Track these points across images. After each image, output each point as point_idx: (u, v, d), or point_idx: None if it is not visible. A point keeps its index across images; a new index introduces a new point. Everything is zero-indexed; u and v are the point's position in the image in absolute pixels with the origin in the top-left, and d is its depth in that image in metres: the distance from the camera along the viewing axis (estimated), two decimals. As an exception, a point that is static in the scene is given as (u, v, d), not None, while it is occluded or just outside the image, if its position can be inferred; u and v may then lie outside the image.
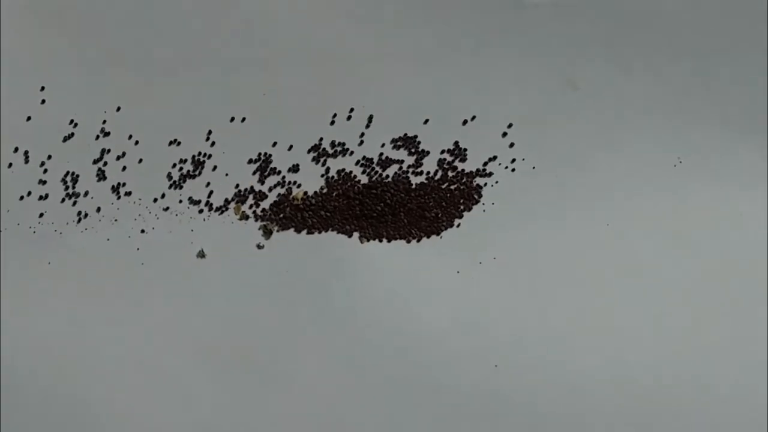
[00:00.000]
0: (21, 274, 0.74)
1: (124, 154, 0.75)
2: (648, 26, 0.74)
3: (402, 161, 0.75)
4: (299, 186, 0.76)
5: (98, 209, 0.75)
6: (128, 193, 0.75)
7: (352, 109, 0.75)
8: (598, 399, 0.74)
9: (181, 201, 0.76)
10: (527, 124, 0.75)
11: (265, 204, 0.76)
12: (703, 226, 0.75)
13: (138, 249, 0.75)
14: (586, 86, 0.75)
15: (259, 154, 0.75)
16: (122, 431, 0.73)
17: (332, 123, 0.75)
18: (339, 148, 0.75)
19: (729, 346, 0.74)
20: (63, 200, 0.75)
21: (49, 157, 0.75)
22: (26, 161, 0.75)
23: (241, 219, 0.76)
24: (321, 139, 0.75)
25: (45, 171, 0.75)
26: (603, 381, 0.74)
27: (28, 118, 0.75)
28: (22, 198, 0.74)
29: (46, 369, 0.74)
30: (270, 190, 0.76)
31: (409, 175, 0.76)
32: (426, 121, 0.75)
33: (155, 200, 0.75)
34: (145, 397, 0.74)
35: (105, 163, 0.75)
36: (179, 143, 0.75)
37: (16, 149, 0.74)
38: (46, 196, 0.75)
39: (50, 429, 0.73)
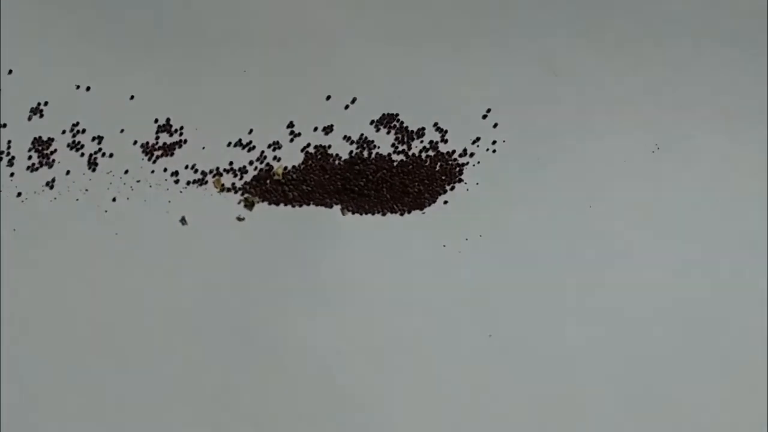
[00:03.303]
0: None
1: (99, 134, 0.73)
2: (626, 12, 0.76)
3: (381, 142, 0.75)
4: (279, 160, 0.74)
5: (68, 172, 0.72)
6: (97, 163, 0.72)
7: (332, 90, 0.74)
8: (586, 371, 0.73)
9: (153, 172, 0.73)
10: (508, 107, 0.76)
11: (246, 179, 0.74)
12: (679, 210, 0.76)
13: (111, 218, 0.72)
14: (565, 71, 0.76)
15: (239, 130, 0.74)
16: (97, 404, 0.69)
17: (314, 103, 0.74)
18: (320, 126, 0.75)
19: (716, 327, 0.74)
20: (30, 168, 0.72)
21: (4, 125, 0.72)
22: None
23: (220, 191, 0.74)
24: (301, 117, 0.74)
25: (10, 141, 0.72)
26: (588, 354, 0.73)
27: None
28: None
29: (16, 343, 0.69)
30: (250, 163, 0.74)
31: (391, 153, 0.75)
32: (406, 104, 0.75)
33: (126, 172, 0.73)
34: (121, 369, 0.70)
35: (77, 133, 0.72)
36: (157, 120, 0.73)
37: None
38: (11, 160, 0.72)
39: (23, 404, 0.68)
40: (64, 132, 0.72)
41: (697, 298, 0.75)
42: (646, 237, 0.75)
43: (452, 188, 0.75)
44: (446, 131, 0.75)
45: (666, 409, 0.73)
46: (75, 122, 0.73)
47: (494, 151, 0.76)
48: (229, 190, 0.74)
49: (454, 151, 0.75)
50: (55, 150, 0.72)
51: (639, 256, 0.75)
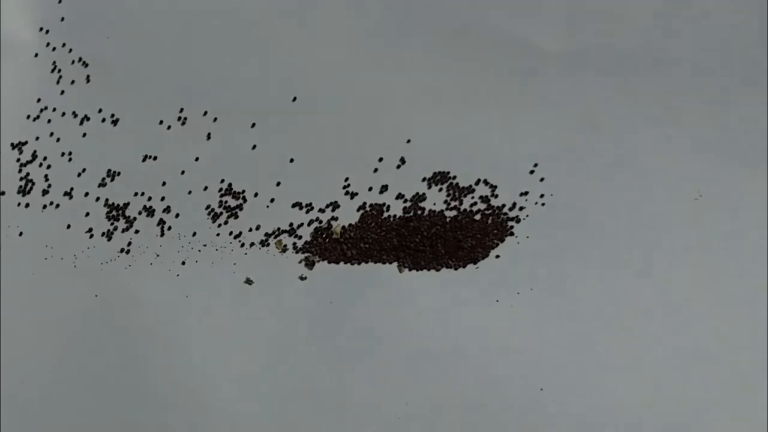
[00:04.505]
0: (64, 308, 0.75)
1: (164, 191, 0.78)
2: (660, 70, 0.79)
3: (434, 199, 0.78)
4: (337, 220, 0.78)
5: (129, 244, 0.77)
6: (169, 228, 0.77)
7: (384, 152, 0.78)
8: (640, 421, 0.74)
9: (219, 235, 0.77)
10: (553, 161, 0.78)
11: (305, 238, 0.78)
12: (729, 257, 0.77)
13: (182, 280, 0.76)
14: (605, 126, 0.78)
15: (297, 192, 0.78)
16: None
17: (368, 165, 0.78)
18: (375, 186, 0.78)
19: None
20: (106, 235, 0.77)
21: (87, 194, 0.77)
22: (70, 197, 0.77)
23: (282, 251, 0.78)
24: (356, 177, 0.78)
25: (87, 210, 0.77)
26: (642, 407, 0.75)
27: (70, 159, 0.77)
28: (66, 229, 0.76)
29: (103, 400, 0.74)
30: (309, 224, 0.78)
31: (444, 210, 0.78)
32: (456, 162, 0.78)
33: (194, 234, 0.77)
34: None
35: (148, 199, 0.77)
36: (224, 181, 0.78)
37: (47, 185, 0.76)
38: (90, 231, 0.77)
39: None
40: (135, 194, 0.77)
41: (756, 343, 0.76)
42: (695, 283, 0.77)
43: (503, 241, 0.78)
44: (495, 186, 0.78)
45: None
46: (141, 191, 0.77)
47: (543, 204, 0.78)
48: (287, 249, 0.78)
49: (504, 206, 0.78)
50: (129, 216, 0.77)
51: (690, 303, 0.76)
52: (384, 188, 0.78)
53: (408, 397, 0.75)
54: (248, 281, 0.77)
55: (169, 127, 0.78)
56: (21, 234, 0.77)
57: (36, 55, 0.78)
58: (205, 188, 0.78)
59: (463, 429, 0.74)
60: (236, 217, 0.78)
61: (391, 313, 0.76)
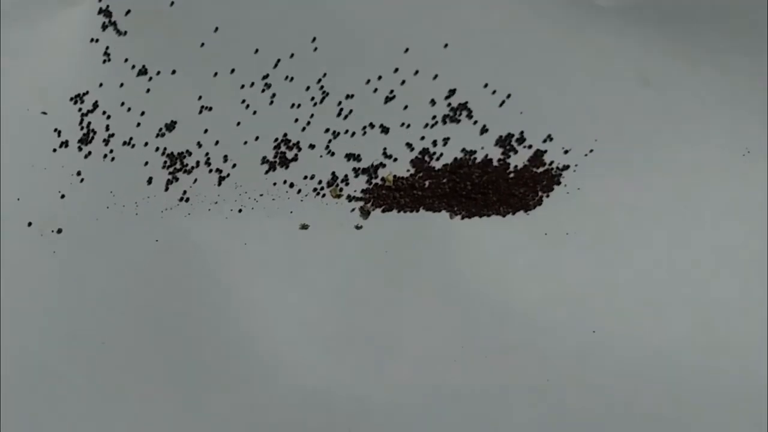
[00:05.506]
0: (127, 252, 0.77)
1: (217, 142, 0.79)
2: (710, 24, 0.80)
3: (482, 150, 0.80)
4: (384, 167, 0.80)
5: (186, 192, 0.79)
6: (227, 175, 0.79)
7: (437, 108, 0.79)
8: (690, 362, 0.76)
9: (275, 184, 0.79)
10: (604, 117, 0.79)
11: (357, 187, 0.80)
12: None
13: (239, 228, 0.78)
14: (656, 82, 0.80)
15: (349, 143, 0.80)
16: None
17: (422, 119, 0.79)
18: (427, 136, 0.80)
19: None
20: (166, 184, 0.79)
21: (146, 144, 0.79)
22: (132, 146, 0.79)
23: (336, 197, 0.79)
24: (404, 131, 0.80)
25: (146, 159, 0.79)
26: (693, 346, 0.76)
27: (128, 109, 0.79)
28: (127, 177, 0.78)
29: (162, 344, 0.76)
30: (363, 171, 0.80)
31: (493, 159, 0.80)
32: (507, 115, 0.79)
33: (251, 183, 0.79)
34: (252, 367, 0.76)
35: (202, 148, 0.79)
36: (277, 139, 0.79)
37: (107, 135, 0.78)
38: (150, 180, 0.79)
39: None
40: (199, 145, 0.79)
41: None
42: (736, 239, 0.78)
43: (552, 190, 0.79)
44: (549, 137, 0.80)
45: None
46: (198, 141, 0.79)
47: (591, 152, 0.80)
48: (341, 194, 0.79)
49: (552, 161, 0.80)
50: (187, 165, 0.79)
51: (733, 257, 0.78)
52: (435, 141, 0.80)
53: (462, 341, 0.77)
54: (304, 226, 0.79)
55: (229, 73, 0.79)
56: (82, 181, 0.79)
57: (98, 8, 0.79)
58: (257, 138, 0.79)
59: (516, 371, 0.76)
60: (287, 167, 0.80)
61: (444, 258, 0.78)
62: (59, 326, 0.77)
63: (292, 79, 0.79)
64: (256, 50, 0.79)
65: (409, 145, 0.80)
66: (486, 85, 0.79)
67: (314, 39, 0.79)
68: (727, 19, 0.79)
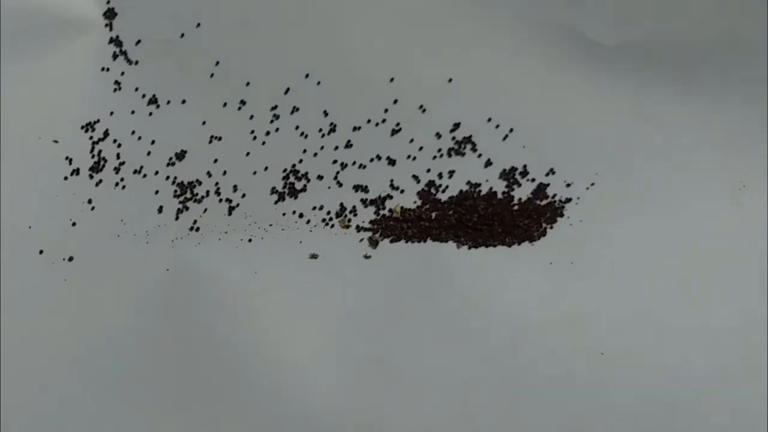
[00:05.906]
0: (137, 281, 0.77)
1: (226, 172, 0.80)
2: (707, 64, 0.83)
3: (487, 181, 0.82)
4: (391, 198, 0.81)
5: (197, 222, 0.79)
6: (236, 206, 0.80)
7: (442, 140, 0.81)
8: (698, 383, 0.78)
9: (284, 214, 0.80)
10: (605, 152, 0.82)
11: (365, 218, 0.81)
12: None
13: (249, 257, 0.79)
14: (654, 118, 0.82)
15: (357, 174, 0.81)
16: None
17: (427, 153, 0.81)
18: (433, 169, 0.82)
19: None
20: (176, 213, 0.80)
21: (156, 173, 0.80)
22: (143, 176, 0.79)
23: (345, 228, 0.81)
24: (417, 160, 0.81)
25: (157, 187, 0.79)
26: (688, 368, 0.79)
27: (139, 138, 0.80)
28: (137, 206, 0.79)
29: (172, 372, 0.76)
30: (371, 203, 0.81)
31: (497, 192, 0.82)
32: (510, 149, 0.81)
33: (260, 213, 0.80)
34: (267, 391, 0.77)
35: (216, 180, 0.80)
36: (286, 170, 0.81)
37: (118, 163, 0.79)
38: (161, 208, 0.79)
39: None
40: (209, 174, 0.80)
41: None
42: (735, 268, 0.81)
43: (555, 221, 0.82)
44: (551, 170, 0.82)
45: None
46: (208, 171, 0.80)
47: (592, 186, 0.82)
48: (350, 225, 0.81)
49: (555, 194, 0.82)
50: (197, 195, 0.80)
51: (732, 285, 0.80)
52: (441, 174, 0.81)
53: (470, 367, 0.78)
54: (313, 256, 0.80)
55: (239, 107, 0.80)
56: (93, 209, 0.79)
57: (109, 37, 0.80)
58: (266, 168, 0.80)
59: (529, 395, 0.78)
60: (296, 197, 0.81)
61: (451, 287, 0.79)
62: (70, 353, 0.76)
63: (299, 110, 0.81)
64: (265, 82, 0.80)
65: (415, 177, 0.81)
66: (490, 119, 0.81)
67: (322, 72, 0.80)
68: (724, 57, 0.82)
